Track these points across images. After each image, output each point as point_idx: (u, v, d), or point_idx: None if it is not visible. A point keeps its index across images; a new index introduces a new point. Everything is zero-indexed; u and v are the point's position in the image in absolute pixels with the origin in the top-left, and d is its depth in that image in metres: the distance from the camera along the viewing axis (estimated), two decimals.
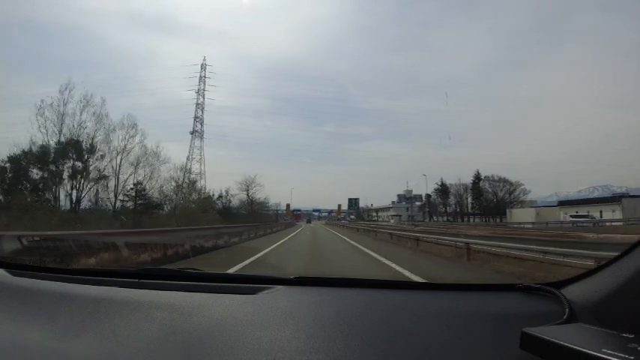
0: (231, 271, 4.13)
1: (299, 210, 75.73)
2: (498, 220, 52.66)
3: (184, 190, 29.00)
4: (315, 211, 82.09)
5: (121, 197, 27.42)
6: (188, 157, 40.30)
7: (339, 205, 74.56)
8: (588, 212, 40.03)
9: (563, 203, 50.30)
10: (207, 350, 0.75)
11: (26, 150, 25.17)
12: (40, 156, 25.29)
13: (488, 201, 58.25)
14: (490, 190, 58.50)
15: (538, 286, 0.97)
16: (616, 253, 0.87)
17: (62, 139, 26.09)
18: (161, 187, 28.32)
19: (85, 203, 26.42)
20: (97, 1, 76.52)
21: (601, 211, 40.23)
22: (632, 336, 0.59)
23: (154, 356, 0.76)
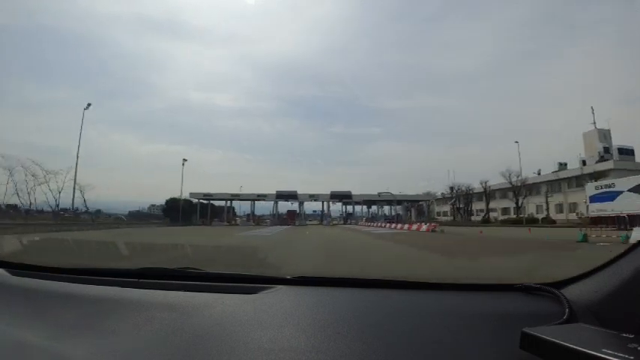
0: None
1: (294, 195, 50.69)
2: None
3: None
4: (335, 196, 51.72)
5: None
6: None
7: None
8: None
9: None
10: (208, 350, 0.75)
11: None
12: None
13: None
14: None
15: (538, 286, 0.97)
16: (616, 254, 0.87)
17: None
18: None
19: None
20: (106, 6, 76.01)
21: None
22: (632, 336, 0.59)
23: (154, 356, 0.76)
